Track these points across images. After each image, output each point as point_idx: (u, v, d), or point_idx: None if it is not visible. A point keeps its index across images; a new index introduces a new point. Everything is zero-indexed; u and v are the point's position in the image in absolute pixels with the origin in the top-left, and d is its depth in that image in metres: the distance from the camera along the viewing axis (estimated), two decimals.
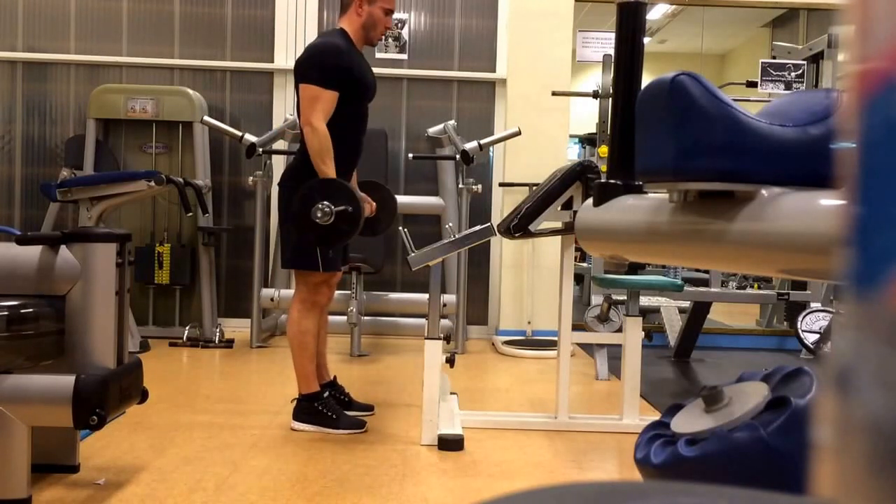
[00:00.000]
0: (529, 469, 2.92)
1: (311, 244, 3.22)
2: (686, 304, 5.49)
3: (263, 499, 2.48)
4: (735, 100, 1.66)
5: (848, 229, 0.31)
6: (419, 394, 3.18)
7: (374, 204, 3.56)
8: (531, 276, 5.73)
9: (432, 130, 5.71)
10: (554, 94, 5.49)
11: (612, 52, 2.80)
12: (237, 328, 5.52)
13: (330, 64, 3.18)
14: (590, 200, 2.23)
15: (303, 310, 3.32)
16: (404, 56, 5.93)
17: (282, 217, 3.38)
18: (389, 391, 4.07)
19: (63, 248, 2.33)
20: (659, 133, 1.70)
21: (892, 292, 0.27)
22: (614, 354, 4.21)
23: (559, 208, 3.33)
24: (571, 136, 7.87)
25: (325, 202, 3.03)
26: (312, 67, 3.19)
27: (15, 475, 2.23)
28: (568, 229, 3.32)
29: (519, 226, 3.30)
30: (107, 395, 2.26)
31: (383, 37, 3.45)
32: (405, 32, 5.93)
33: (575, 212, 3.15)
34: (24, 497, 2.24)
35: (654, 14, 9.68)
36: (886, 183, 0.29)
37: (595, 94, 5.37)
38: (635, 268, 3.39)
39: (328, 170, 3.13)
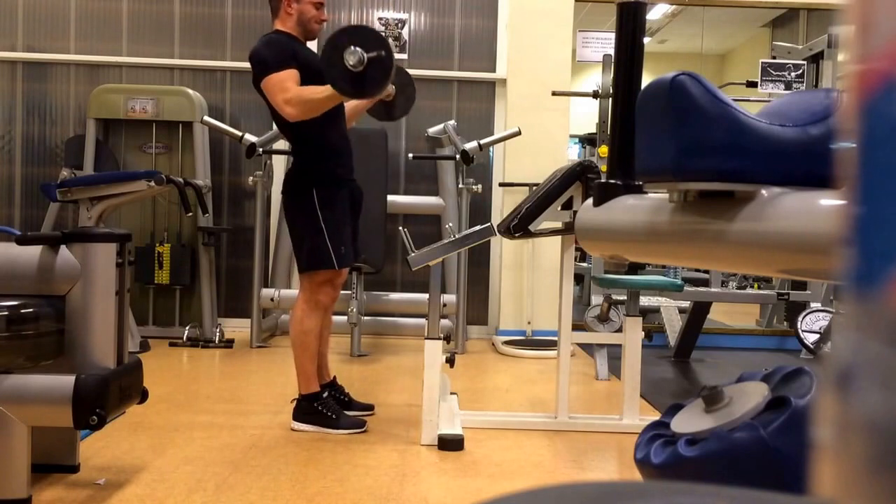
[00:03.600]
0: (529, 469, 2.92)
1: (323, 242, 3.20)
2: (686, 304, 5.48)
3: (263, 499, 2.48)
4: (735, 100, 1.66)
5: (848, 229, 0.31)
6: (419, 394, 3.18)
7: (393, 87, 3.49)
8: (531, 276, 5.73)
9: (432, 130, 5.71)
10: (554, 94, 5.49)
11: (612, 52, 2.80)
12: (237, 328, 5.52)
13: (272, 52, 3.21)
14: (590, 200, 2.23)
15: (307, 309, 3.32)
16: (404, 56, 5.92)
17: (290, 223, 3.37)
18: (389, 391, 4.07)
19: (63, 248, 2.33)
20: (659, 133, 1.70)
21: (892, 292, 0.27)
22: (614, 354, 4.21)
23: (559, 208, 3.33)
24: (571, 136, 7.86)
25: (356, 47, 2.96)
26: (260, 63, 3.22)
27: (15, 475, 2.23)
28: (568, 229, 3.32)
29: (519, 226, 3.30)
30: (107, 395, 2.26)
31: (321, 29, 3.44)
32: (405, 32, 5.93)
33: (575, 212, 3.15)
34: (24, 497, 2.24)
35: (654, 14, 9.68)
36: (886, 183, 0.29)
37: (595, 94, 5.37)
38: (635, 268, 3.39)
39: (328, 91, 3.06)
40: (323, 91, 3.08)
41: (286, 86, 3.13)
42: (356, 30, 3.07)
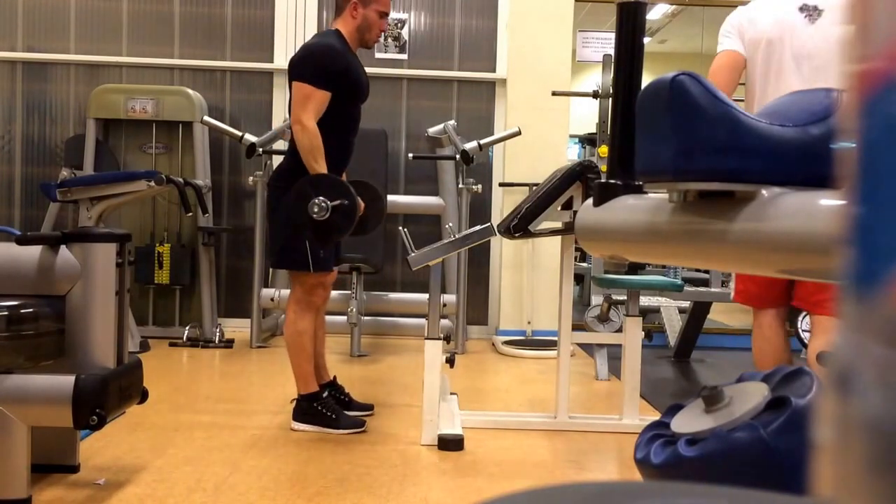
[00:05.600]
0: (529, 469, 2.92)
1: (301, 243, 3.21)
2: (686, 304, 5.48)
3: (263, 499, 2.48)
4: (735, 100, 1.66)
5: (848, 229, 0.31)
6: (419, 394, 3.18)
7: (363, 203, 3.53)
8: (531, 276, 5.73)
9: (432, 130, 5.71)
10: (554, 94, 5.49)
11: (612, 52, 2.80)
12: (237, 328, 5.52)
13: (324, 65, 3.19)
14: (590, 200, 2.23)
15: (298, 311, 3.32)
16: (404, 56, 5.92)
17: (269, 216, 3.40)
18: (389, 391, 4.07)
19: (63, 248, 2.33)
20: (659, 133, 1.70)
21: (892, 292, 0.27)
22: (614, 354, 4.21)
23: (559, 208, 3.33)
24: (571, 136, 7.87)
25: (320, 197, 3.05)
26: (307, 67, 3.20)
27: (15, 475, 2.23)
28: (568, 229, 3.32)
29: (519, 226, 3.29)
30: (107, 395, 2.26)
31: (379, 39, 3.45)
32: (405, 32, 5.93)
33: (575, 212, 3.15)
34: (24, 497, 2.24)
35: (654, 14, 9.69)
36: (886, 183, 0.29)
37: (595, 94, 5.37)
38: (635, 268, 3.40)
39: (320, 167, 3.13)
40: (318, 162, 3.12)
41: (310, 107, 3.14)
42: (319, 179, 3.13)
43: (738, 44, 2.85)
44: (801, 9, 2.76)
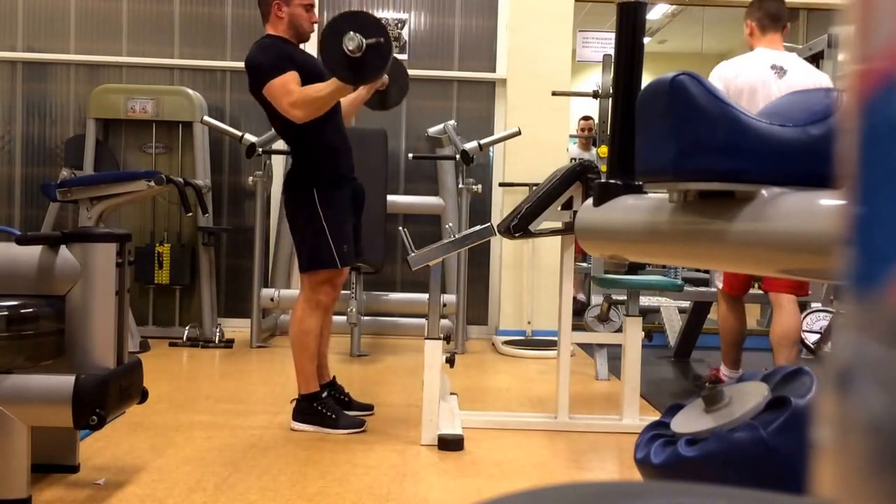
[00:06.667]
0: (529, 469, 2.92)
1: (325, 241, 3.19)
2: (686, 304, 5.48)
3: (263, 499, 2.48)
4: None
5: (848, 229, 0.31)
6: (419, 394, 3.18)
7: (386, 76, 3.45)
8: (531, 276, 5.73)
9: (432, 130, 5.71)
10: (554, 94, 5.49)
11: (612, 52, 2.80)
12: (237, 328, 5.52)
13: (268, 57, 3.20)
14: (590, 200, 2.23)
15: (307, 309, 3.32)
16: (404, 56, 5.92)
17: (291, 223, 3.37)
18: (389, 391, 4.07)
19: (63, 248, 2.33)
20: (659, 133, 1.70)
21: (892, 292, 0.27)
22: (614, 354, 4.21)
23: (559, 208, 3.33)
24: (571, 137, 7.86)
25: (355, 32, 2.95)
26: (259, 69, 3.19)
27: (15, 475, 2.22)
28: (568, 229, 3.32)
29: (519, 226, 3.30)
30: (107, 395, 2.26)
31: (313, 30, 3.44)
32: (405, 32, 5.93)
33: (575, 212, 3.15)
34: (24, 497, 2.24)
35: (654, 14, 9.69)
36: (886, 183, 0.29)
37: (595, 94, 5.37)
38: (635, 268, 3.40)
39: (331, 86, 3.06)
40: (326, 87, 3.08)
41: (289, 88, 3.12)
42: (355, 16, 3.06)
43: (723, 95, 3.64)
44: (772, 67, 3.61)
